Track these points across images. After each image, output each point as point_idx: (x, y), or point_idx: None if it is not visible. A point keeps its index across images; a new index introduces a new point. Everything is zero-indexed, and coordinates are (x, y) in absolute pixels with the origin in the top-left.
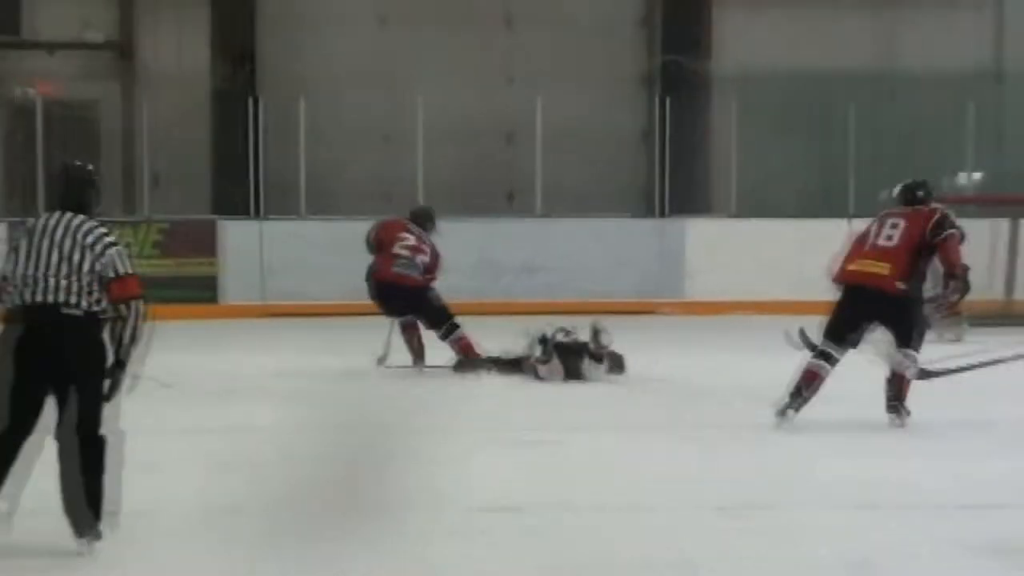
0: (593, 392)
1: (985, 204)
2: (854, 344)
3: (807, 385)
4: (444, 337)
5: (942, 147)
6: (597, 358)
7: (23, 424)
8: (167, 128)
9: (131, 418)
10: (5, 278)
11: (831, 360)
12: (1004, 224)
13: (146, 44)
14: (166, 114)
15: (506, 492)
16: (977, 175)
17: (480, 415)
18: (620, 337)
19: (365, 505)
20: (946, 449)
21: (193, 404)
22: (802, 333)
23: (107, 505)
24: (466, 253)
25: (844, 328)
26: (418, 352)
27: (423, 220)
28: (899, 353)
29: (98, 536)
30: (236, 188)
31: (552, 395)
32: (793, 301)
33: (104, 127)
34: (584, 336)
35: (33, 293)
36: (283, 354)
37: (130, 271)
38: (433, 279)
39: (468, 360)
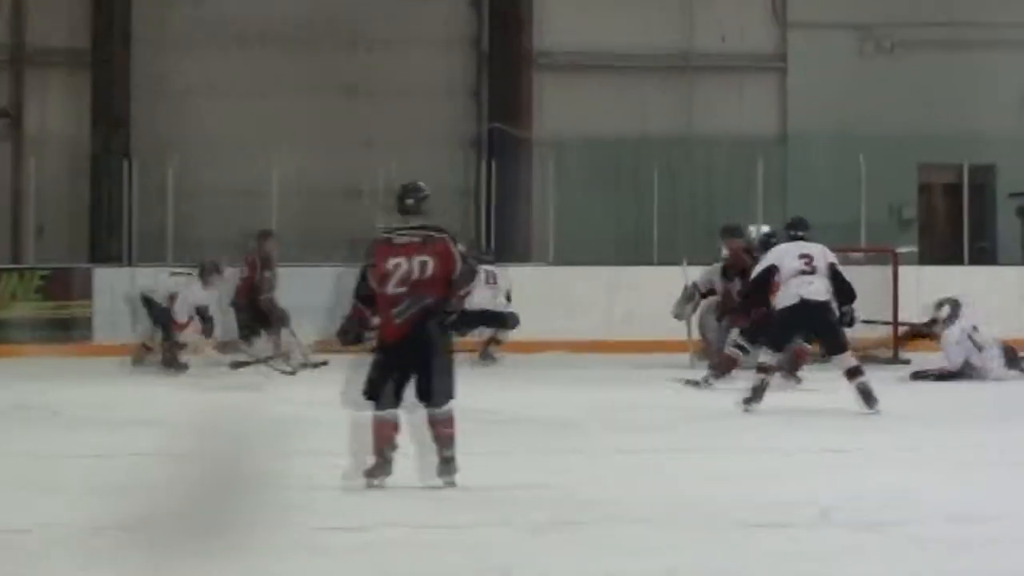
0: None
1: None
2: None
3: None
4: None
5: (735, 202)
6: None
7: None
8: (51, 185)
9: (19, 443)
10: None
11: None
12: None
13: (33, 110)
14: (50, 172)
15: (343, 513)
16: (765, 228)
17: (318, 440)
18: None
19: (219, 525)
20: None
21: (70, 430)
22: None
23: None
24: (313, 295)
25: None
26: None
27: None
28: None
29: None
30: (112, 239)
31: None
32: (600, 340)
33: None
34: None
35: None
36: (152, 387)
37: None
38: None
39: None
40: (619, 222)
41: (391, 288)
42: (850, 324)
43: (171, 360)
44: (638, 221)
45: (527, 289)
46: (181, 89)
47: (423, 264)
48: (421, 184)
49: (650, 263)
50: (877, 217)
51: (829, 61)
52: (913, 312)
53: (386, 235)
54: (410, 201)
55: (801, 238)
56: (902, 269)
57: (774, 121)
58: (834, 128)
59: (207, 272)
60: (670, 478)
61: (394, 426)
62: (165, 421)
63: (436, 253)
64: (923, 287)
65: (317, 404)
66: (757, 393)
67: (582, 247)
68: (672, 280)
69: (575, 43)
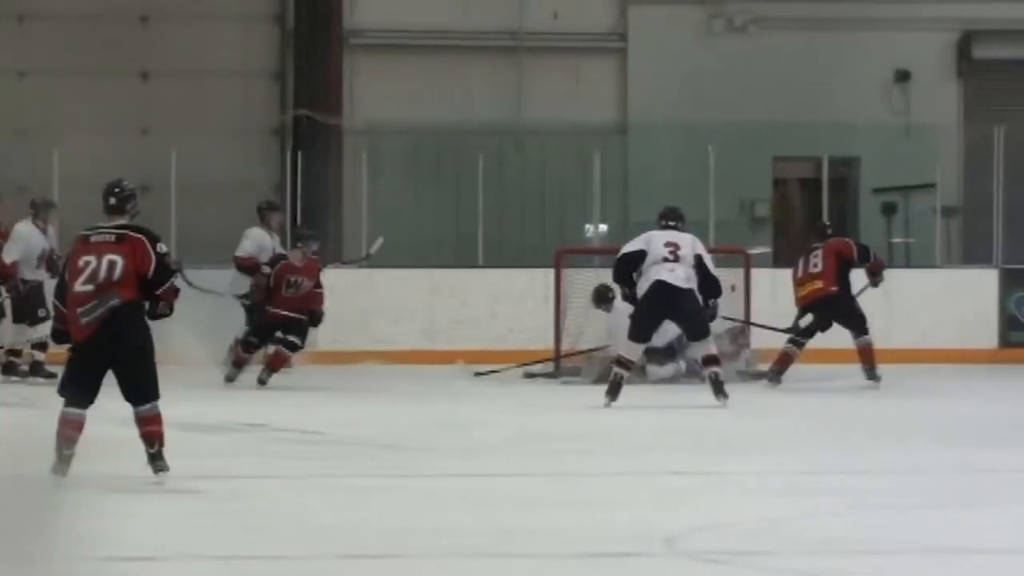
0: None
1: (609, 255)
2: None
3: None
4: None
5: (570, 199)
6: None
7: None
8: None
9: None
10: None
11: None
12: None
13: None
14: None
15: (139, 541)
16: (603, 227)
17: (104, 461)
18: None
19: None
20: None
21: None
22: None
23: None
24: None
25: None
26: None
27: None
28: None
29: None
30: None
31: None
32: (424, 350)
33: None
34: None
35: None
36: None
37: None
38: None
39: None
40: (441, 220)
41: (78, 286)
42: (711, 319)
43: (37, 367)
44: (462, 219)
45: (339, 294)
46: None
47: (112, 263)
48: (125, 182)
49: (475, 265)
50: (727, 214)
51: (675, 40)
52: (767, 317)
53: (85, 233)
54: (112, 200)
55: (673, 228)
56: (755, 272)
57: (613, 108)
58: (680, 116)
59: (41, 207)
60: (496, 505)
61: (77, 425)
62: None
63: (128, 252)
64: (778, 291)
65: (97, 421)
66: (613, 389)
67: (400, 248)
68: (500, 284)
69: (391, 20)
